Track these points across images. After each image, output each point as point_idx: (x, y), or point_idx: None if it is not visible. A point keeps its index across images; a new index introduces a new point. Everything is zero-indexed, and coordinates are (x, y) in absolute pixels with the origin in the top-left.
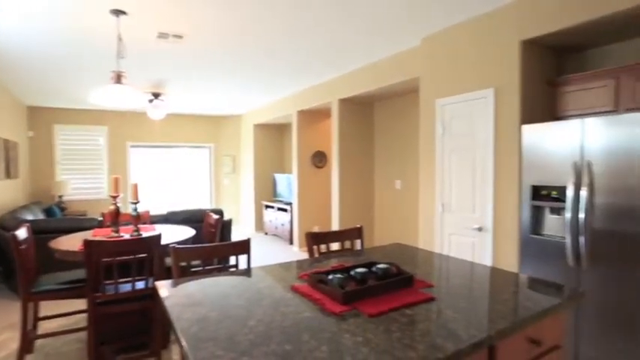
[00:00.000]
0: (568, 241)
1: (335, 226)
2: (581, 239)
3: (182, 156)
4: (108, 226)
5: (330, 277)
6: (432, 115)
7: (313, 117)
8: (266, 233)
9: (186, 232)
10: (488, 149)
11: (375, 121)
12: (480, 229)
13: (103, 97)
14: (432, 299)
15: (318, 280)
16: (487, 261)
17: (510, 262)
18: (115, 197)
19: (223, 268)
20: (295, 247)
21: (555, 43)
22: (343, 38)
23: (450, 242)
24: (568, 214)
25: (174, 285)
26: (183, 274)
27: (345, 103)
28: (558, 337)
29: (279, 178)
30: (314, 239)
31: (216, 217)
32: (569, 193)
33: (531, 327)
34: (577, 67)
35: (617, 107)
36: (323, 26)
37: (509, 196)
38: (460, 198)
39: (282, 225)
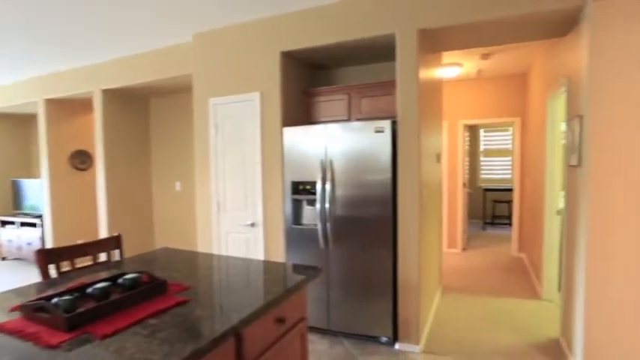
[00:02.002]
0: (319, 227)
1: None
2: (328, 225)
3: None
4: None
5: (55, 300)
6: (206, 115)
7: (70, 108)
8: (4, 258)
9: None
10: (257, 149)
11: (151, 117)
12: (252, 225)
13: None
14: (184, 302)
15: (35, 309)
16: (260, 254)
17: (279, 253)
18: None
19: None
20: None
21: (309, 60)
22: (94, 16)
23: (227, 241)
24: (318, 205)
25: None
26: None
27: (111, 94)
28: (303, 310)
29: (27, 184)
30: (48, 257)
31: None
32: (319, 187)
33: (277, 308)
34: (328, 82)
35: (349, 117)
36: None
37: (275, 192)
38: (234, 196)
39: (29, 245)
